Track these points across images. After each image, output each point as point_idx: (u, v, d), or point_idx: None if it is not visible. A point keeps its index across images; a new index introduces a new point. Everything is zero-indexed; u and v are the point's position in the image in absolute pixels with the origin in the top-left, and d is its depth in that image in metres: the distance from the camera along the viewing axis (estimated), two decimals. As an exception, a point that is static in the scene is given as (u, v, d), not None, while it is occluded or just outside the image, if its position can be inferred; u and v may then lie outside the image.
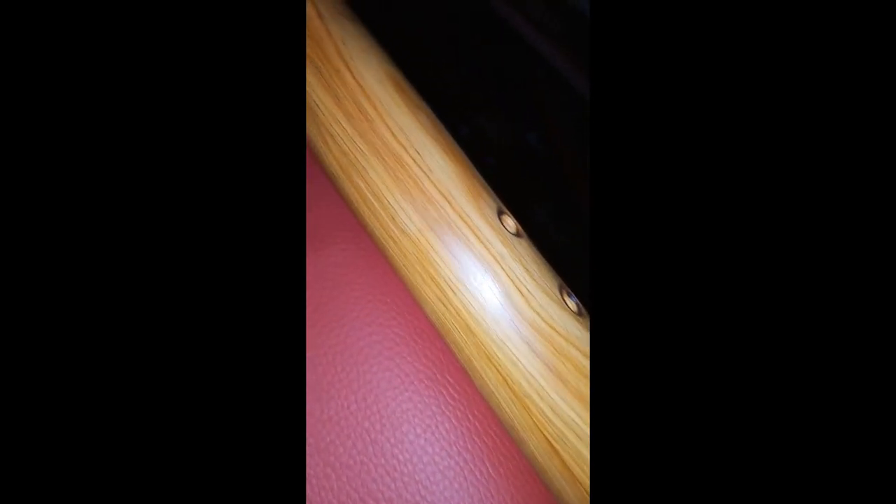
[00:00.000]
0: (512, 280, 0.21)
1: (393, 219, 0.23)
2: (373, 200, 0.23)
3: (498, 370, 0.21)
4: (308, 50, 0.24)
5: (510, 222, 0.23)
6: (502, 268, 0.22)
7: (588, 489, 0.21)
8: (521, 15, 0.95)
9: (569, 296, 0.22)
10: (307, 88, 0.24)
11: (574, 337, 0.21)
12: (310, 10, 0.25)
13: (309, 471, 0.25)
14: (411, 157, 0.23)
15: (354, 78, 0.24)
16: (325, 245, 0.29)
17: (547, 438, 0.21)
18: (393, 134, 0.23)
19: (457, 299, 0.22)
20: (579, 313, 0.22)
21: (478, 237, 0.22)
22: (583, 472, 0.21)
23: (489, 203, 0.23)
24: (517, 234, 0.23)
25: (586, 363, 0.21)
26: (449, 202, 0.22)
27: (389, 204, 0.23)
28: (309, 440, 0.25)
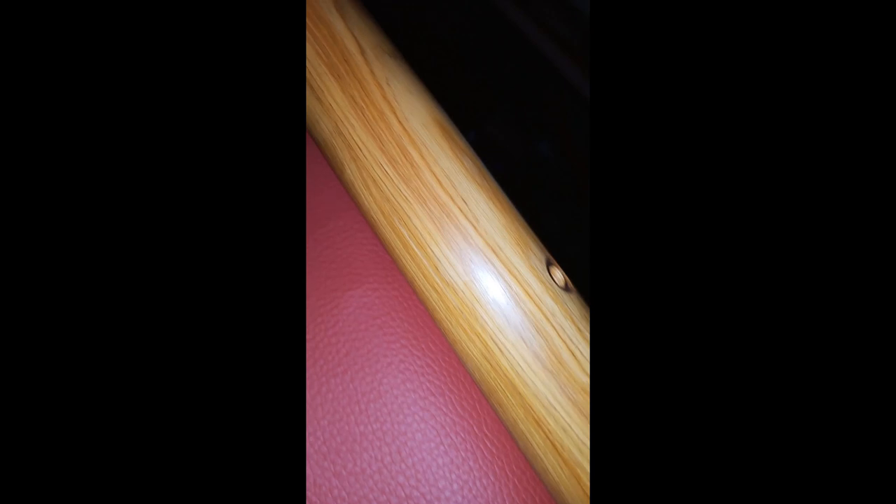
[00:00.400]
0: (564, 341, 0.20)
1: (436, 268, 0.22)
2: (415, 248, 0.23)
3: (547, 435, 0.20)
4: (352, 89, 0.23)
5: (559, 274, 0.22)
6: (553, 326, 0.21)
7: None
8: (535, 24, 0.95)
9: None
10: (351, 131, 0.23)
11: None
12: (352, 46, 0.24)
13: (340, 527, 0.24)
14: (457, 205, 0.22)
15: (399, 122, 0.23)
16: (358, 284, 0.28)
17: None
18: (438, 181, 0.22)
19: (503, 358, 0.21)
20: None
21: (527, 292, 0.21)
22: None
23: (537, 254, 0.22)
24: (566, 289, 0.22)
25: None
26: (496, 254, 0.21)
27: (433, 253, 0.22)
28: (341, 494, 0.24)
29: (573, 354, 0.20)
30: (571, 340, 0.20)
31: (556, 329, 0.21)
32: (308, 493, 0.24)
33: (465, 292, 0.21)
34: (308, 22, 0.24)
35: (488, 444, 0.25)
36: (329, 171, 0.31)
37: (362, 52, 0.24)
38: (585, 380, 0.20)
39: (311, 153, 0.31)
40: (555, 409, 0.20)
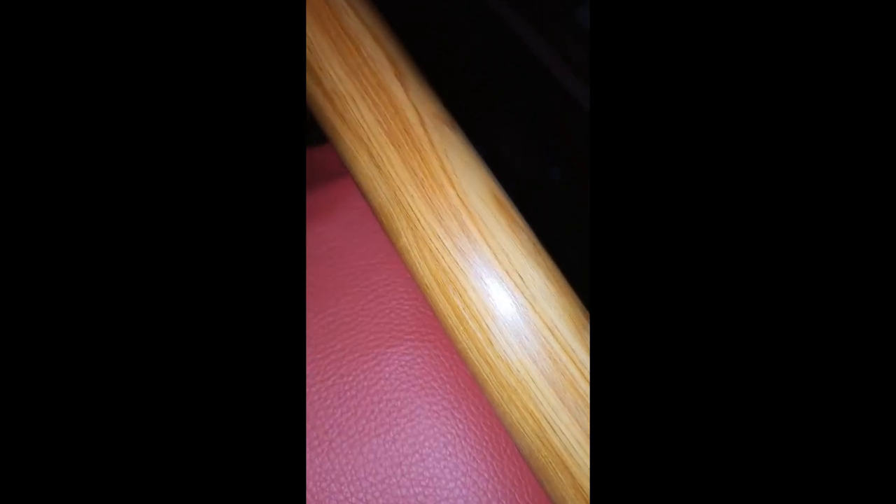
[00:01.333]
0: (618, 425, 0.21)
1: (490, 343, 0.22)
2: (469, 321, 0.23)
3: (598, 519, 0.20)
4: (411, 159, 0.24)
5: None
6: (607, 410, 0.21)
7: None
8: (548, 46, 0.96)
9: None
10: (409, 200, 0.24)
11: None
12: (413, 117, 0.24)
13: None
14: (513, 280, 0.22)
15: (458, 195, 0.23)
16: (400, 342, 0.29)
17: None
18: (495, 255, 0.23)
19: (556, 438, 0.21)
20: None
21: (582, 374, 0.21)
22: None
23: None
24: (618, 369, 0.22)
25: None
26: (553, 334, 0.22)
27: (488, 327, 0.22)
28: (381, 560, 0.24)
29: (628, 440, 0.20)
30: (626, 425, 0.21)
31: (610, 412, 0.21)
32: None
33: (520, 370, 0.22)
34: (370, 90, 0.25)
35: (530, 514, 0.25)
36: (374, 226, 0.32)
37: (422, 123, 0.24)
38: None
39: (360, 211, 0.32)
40: (608, 494, 0.20)
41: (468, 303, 0.23)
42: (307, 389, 0.28)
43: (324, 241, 0.32)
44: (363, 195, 0.26)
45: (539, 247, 0.24)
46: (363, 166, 0.25)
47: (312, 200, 0.34)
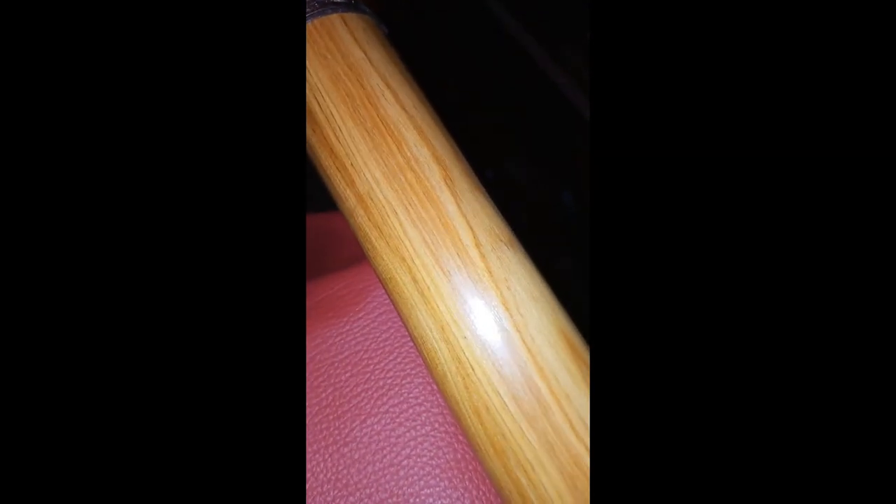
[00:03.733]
0: None
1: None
2: (533, 497, 0.18)
3: None
4: (464, 289, 0.19)
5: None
6: None
7: None
8: (558, 65, 0.92)
9: None
10: (462, 342, 0.19)
11: None
12: (466, 237, 0.20)
13: None
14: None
15: (524, 342, 0.19)
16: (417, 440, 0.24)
17: None
18: (571, 425, 0.18)
19: None
20: None
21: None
22: None
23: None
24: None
25: None
26: None
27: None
28: None
29: None
30: None
31: None
32: None
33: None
34: (414, 199, 0.20)
35: None
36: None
37: (477, 245, 0.20)
38: None
39: (398, 339, 0.27)
40: None
41: (535, 483, 0.18)
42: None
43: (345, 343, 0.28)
44: (402, 321, 0.22)
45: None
46: (404, 291, 0.21)
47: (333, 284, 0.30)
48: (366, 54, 0.23)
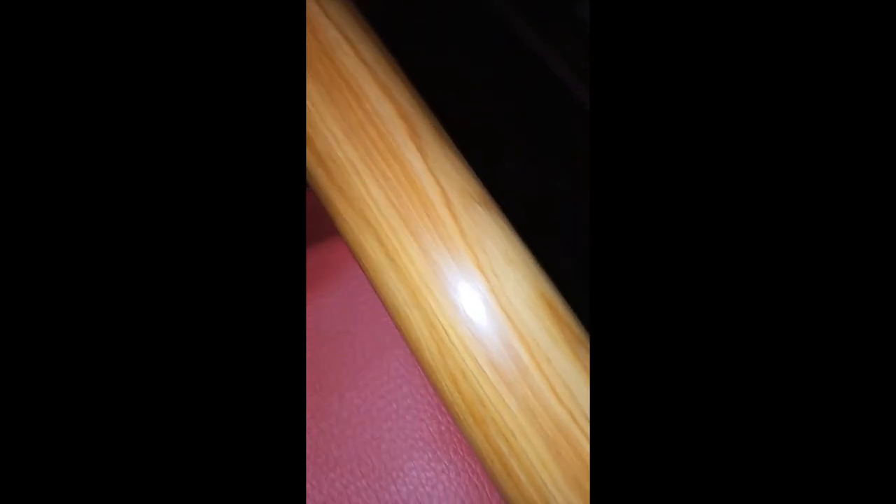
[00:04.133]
0: None
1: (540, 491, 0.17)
2: (519, 471, 0.17)
3: None
4: (434, 252, 0.18)
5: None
6: None
7: None
8: (556, 55, 0.90)
9: None
10: (434, 307, 0.18)
11: None
12: (434, 194, 0.19)
13: None
14: (579, 425, 0.17)
15: (501, 305, 0.18)
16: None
17: None
18: (554, 390, 0.17)
19: None
20: None
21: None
22: None
23: None
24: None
25: None
26: None
27: (539, 474, 0.17)
28: None
29: None
30: None
31: None
32: None
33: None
34: (377, 156, 0.19)
35: None
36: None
37: (447, 203, 0.19)
38: None
39: (375, 311, 0.26)
40: None
41: (517, 451, 0.17)
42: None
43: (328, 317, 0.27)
44: (374, 289, 0.21)
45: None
46: (371, 255, 0.19)
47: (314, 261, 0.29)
48: (320, 5, 0.21)
